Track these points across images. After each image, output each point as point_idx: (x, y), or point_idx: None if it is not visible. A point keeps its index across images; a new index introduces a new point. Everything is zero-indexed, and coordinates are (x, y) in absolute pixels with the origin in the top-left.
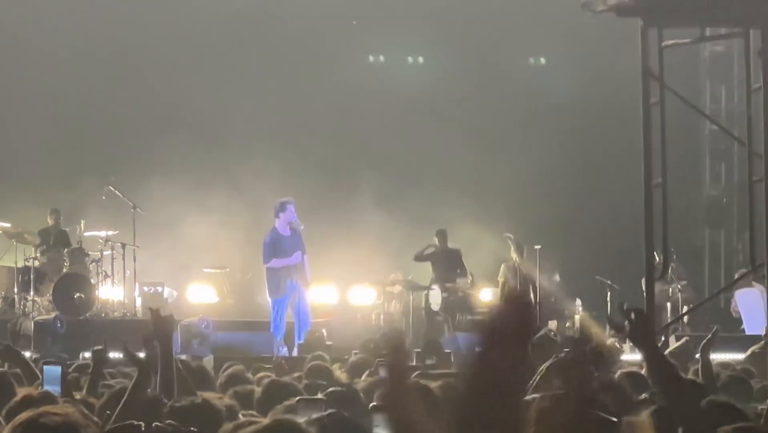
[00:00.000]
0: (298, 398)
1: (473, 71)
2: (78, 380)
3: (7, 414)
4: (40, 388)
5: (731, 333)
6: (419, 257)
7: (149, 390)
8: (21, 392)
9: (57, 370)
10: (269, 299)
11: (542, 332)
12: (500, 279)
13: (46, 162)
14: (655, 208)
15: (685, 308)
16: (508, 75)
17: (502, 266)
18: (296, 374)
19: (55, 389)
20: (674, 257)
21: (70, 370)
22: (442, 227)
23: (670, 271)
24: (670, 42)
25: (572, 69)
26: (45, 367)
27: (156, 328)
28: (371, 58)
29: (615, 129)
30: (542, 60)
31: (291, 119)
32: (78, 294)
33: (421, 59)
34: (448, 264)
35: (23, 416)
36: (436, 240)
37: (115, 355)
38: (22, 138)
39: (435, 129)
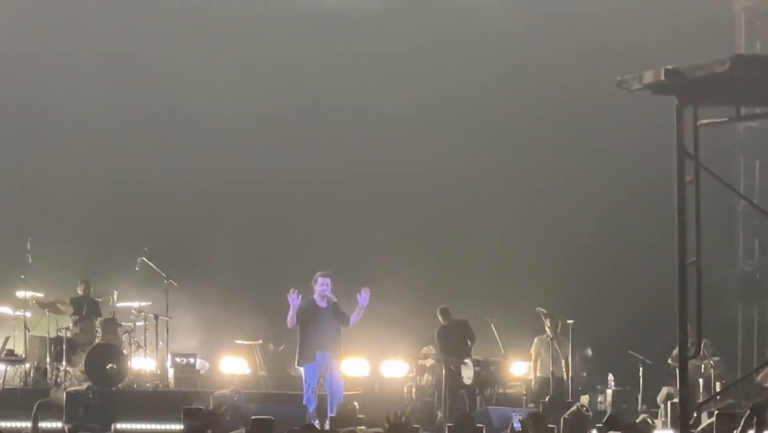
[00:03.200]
0: None
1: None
2: None
3: None
4: None
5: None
6: (438, 348)
7: None
8: None
9: None
10: (297, 367)
11: (574, 408)
12: (532, 352)
13: (79, 232)
14: (688, 285)
15: (718, 385)
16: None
17: (536, 339)
18: None
19: None
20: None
21: None
22: (444, 305)
23: (702, 347)
24: (705, 121)
25: (602, 146)
26: None
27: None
28: None
29: (649, 207)
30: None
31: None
32: (110, 365)
33: None
34: (459, 337)
35: None
36: (440, 318)
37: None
38: (55, 208)
39: (472, 201)
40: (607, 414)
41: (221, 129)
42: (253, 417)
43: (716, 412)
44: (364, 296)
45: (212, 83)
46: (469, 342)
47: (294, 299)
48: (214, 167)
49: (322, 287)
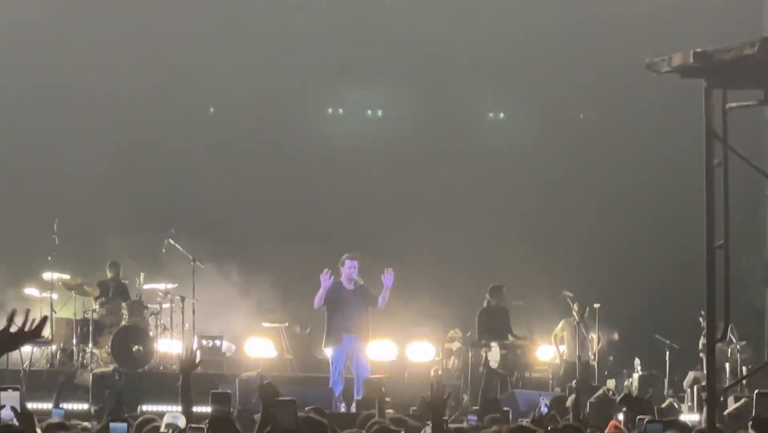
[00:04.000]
0: None
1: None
2: None
3: None
4: None
5: None
6: (478, 333)
7: None
8: None
9: (123, 427)
10: (323, 350)
11: (600, 392)
12: (557, 333)
13: (106, 214)
14: (716, 269)
15: (745, 369)
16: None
17: (562, 321)
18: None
19: None
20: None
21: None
22: (498, 283)
23: (729, 332)
24: (734, 104)
25: (630, 130)
26: (111, 424)
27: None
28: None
29: (676, 190)
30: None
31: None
32: (137, 347)
33: None
34: (495, 323)
35: None
36: (489, 298)
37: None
38: (82, 190)
39: (500, 186)
40: (623, 393)
41: (250, 107)
42: (276, 399)
43: (757, 392)
44: (388, 277)
45: (236, 58)
46: (507, 333)
47: (326, 279)
48: (242, 148)
49: (349, 270)
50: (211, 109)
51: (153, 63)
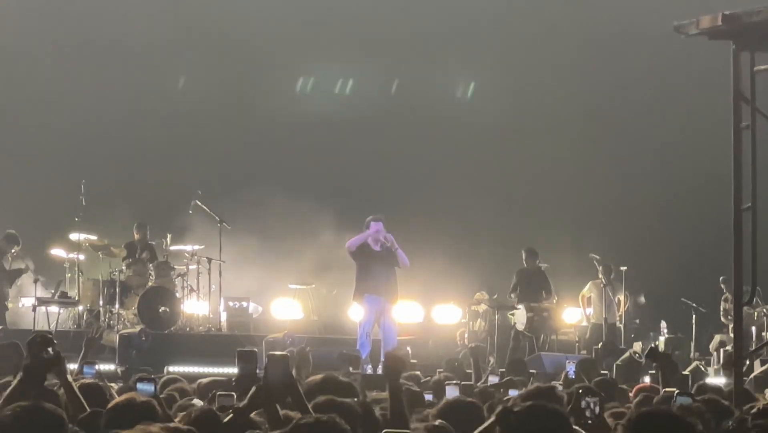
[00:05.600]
0: None
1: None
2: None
3: None
4: None
5: None
6: (511, 291)
7: None
8: None
9: (150, 387)
10: (352, 308)
11: (627, 354)
12: (584, 294)
13: (133, 175)
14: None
15: None
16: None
17: (589, 283)
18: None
19: None
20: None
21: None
22: (531, 245)
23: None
24: (763, 66)
25: (660, 96)
26: (138, 384)
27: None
28: None
29: (703, 152)
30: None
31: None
32: (163, 308)
33: None
34: (533, 284)
35: None
36: (525, 258)
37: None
38: (109, 150)
39: (527, 150)
40: (649, 346)
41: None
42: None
43: None
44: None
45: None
46: (543, 293)
47: (373, 230)
48: (268, 108)
49: (378, 232)
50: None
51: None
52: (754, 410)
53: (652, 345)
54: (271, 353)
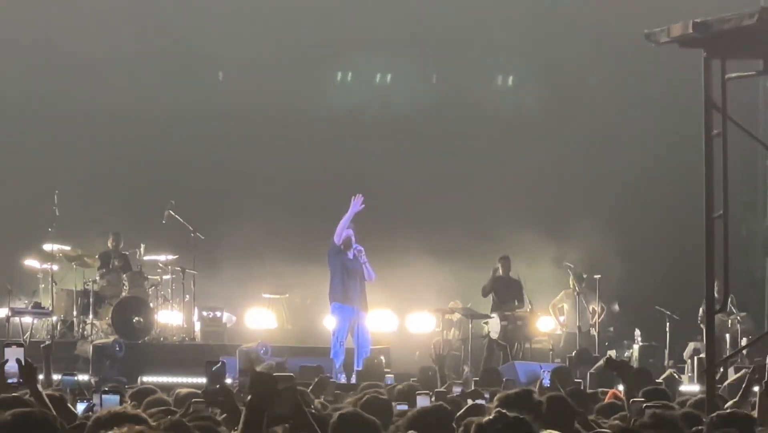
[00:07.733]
0: None
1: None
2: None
3: None
4: None
5: None
6: (486, 291)
7: None
8: None
9: (115, 398)
10: (328, 298)
11: (600, 362)
12: (555, 303)
13: (106, 185)
14: (715, 239)
15: (745, 340)
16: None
17: (562, 292)
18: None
19: None
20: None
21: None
22: (506, 253)
23: (729, 302)
24: (734, 74)
25: (633, 102)
26: (104, 396)
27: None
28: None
29: (676, 160)
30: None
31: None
32: (137, 318)
33: None
34: (508, 293)
35: None
36: (498, 266)
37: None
38: (82, 160)
39: (502, 154)
40: (606, 356)
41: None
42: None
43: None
44: (356, 203)
45: (232, 24)
46: (516, 302)
47: (356, 204)
48: (241, 118)
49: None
50: (220, 75)
51: (155, 31)
52: (714, 415)
53: (608, 355)
54: (280, 387)
